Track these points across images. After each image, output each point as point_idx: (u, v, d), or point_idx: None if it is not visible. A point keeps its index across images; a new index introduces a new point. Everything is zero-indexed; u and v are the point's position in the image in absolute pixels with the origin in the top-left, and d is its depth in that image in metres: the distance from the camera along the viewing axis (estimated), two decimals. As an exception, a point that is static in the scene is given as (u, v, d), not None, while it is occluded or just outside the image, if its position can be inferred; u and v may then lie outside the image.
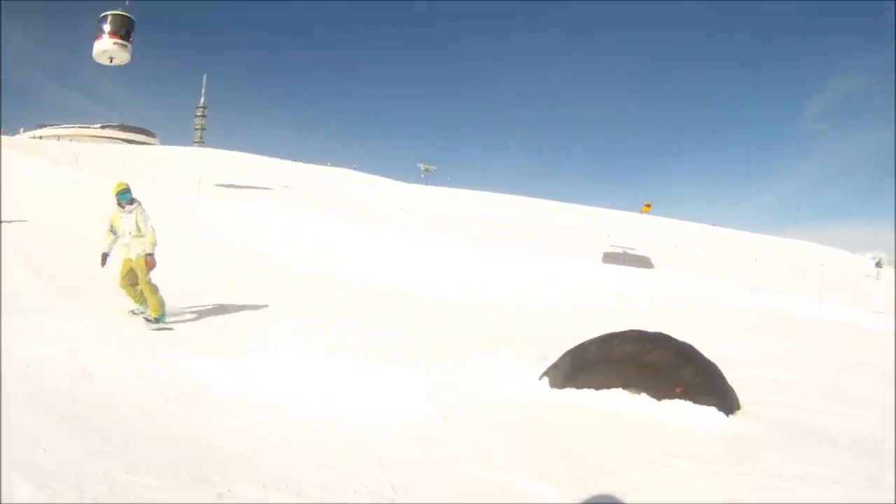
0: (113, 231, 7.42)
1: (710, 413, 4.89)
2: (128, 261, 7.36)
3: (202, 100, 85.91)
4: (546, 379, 5.36)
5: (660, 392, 5.00)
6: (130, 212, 7.37)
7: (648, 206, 56.08)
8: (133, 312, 7.33)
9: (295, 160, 51.79)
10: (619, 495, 3.32)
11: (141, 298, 7.28)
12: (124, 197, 7.39)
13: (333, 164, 54.65)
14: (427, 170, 63.09)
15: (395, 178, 50.05)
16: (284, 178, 35.54)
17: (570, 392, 5.16)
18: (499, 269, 13.77)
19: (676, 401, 4.95)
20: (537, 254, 16.54)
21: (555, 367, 5.43)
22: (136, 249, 7.30)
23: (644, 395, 5.01)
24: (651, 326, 6.07)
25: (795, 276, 22.43)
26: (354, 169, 54.03)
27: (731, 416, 5.02)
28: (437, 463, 3.63)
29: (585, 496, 3.28)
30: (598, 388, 5.12)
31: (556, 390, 5.23)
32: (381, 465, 3.52)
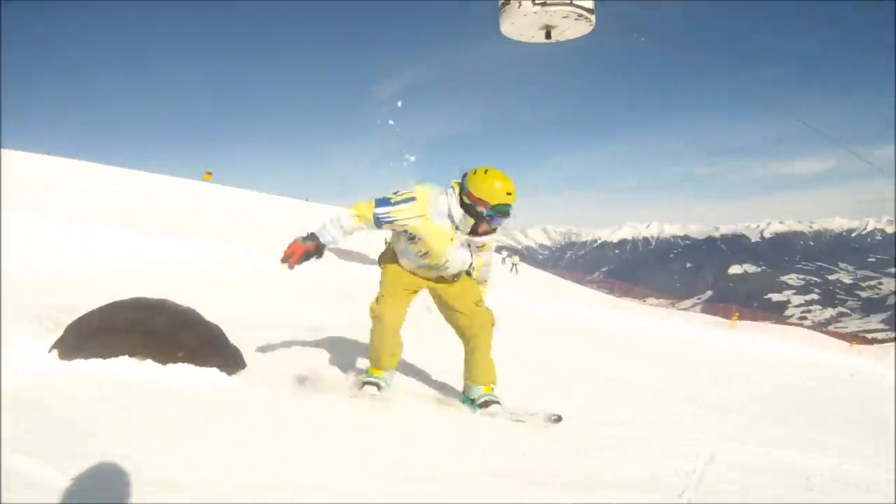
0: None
1: (212, 374, 5.37)
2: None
3: None
4: (55, 351, 5.26)
5: (164, 357, 5.28)
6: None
7: (209, 174, 56.82)
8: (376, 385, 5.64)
9: None
10: (105, 459, 3.54)
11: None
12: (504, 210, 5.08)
13: None
14: None
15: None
16: None
17: (78, 363, 5.13)
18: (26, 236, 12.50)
19: (180, 364, 5.30)
20: (75, 220, 15.37)
21: (62, 338, 5.37)
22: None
23: (149, 362, 5.23)
24: (179, 293, 6.38)
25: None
26: None
27: (233, 375, 5.61)
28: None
29: (75, 464, 3.41)
30: (105, 357, 5.18)
31: (65, 362, 5.15)
32: None
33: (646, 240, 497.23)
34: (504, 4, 8.47)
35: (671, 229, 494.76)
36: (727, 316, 40.61)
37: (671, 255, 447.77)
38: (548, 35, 8.51)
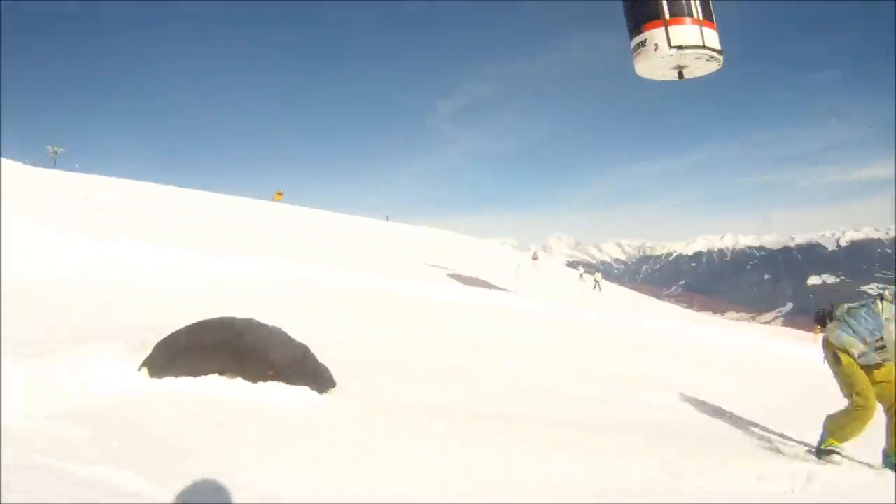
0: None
1: (302, 393, 5.30)
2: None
3: None
4: (144, 370, 5.29)
5: (254, 376, 5.25)
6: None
7: (280, 194, 57.67)
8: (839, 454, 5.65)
9: None
10: (201, 476, 3.48)
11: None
12: None
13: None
14: (55, 152, 56.44)
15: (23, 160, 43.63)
16: None
17: (167, 381, 5.15)
18: (113, 257, 12.87)
19: (270, 383, 5.25)
20: (155, 242, 15.82)
21: (151, 357, 5.39)
22: None
23: (239, 380, 5.21)
24: (260, 313, 6.42)
25: (411, 258, 24.72)
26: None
27: (324, 394, 5.51)
28: (25, 460, 3.47)
29: (169, 478, 3.38)
30: (195, 375, 5.18)
31: (154, 380, 5.18)
32: None
33: (721, 251, 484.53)
34: (640, 47, 8.70)
35: (745, 240, 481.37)
36: (809, 329, 39.05)
37: (748, 267, 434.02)
38: (680, 75, 8.84)
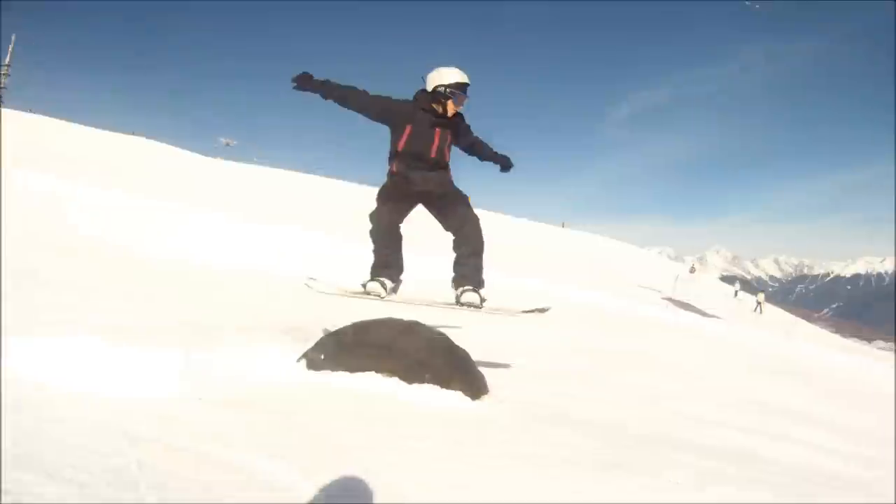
0: None
1: (456, 397, 5.17)
2: None
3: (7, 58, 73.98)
4: (304, 362, 5.35)
5: (410, 377, 5.18)
6: None
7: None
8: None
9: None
10: (353, 473, 3.38)
11: None
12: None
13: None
14: (228, 144, 60.46)
15: (194, 150, 47.44)
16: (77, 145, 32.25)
17: (325, 375, 5.19)
18: (283, 247, 13.42)
19: (425, 385, 5.16)
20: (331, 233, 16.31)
21: (312, 350, 5.45)
22: None
23: (395, 379, 5.15)
24: (424, 316, 6.38)
25: (570, 264, 24.28)
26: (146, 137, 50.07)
27: (476, 400, 5.33)
28: (182, 442, 3.52)
29: (321, 473, 3.31)
30: (353, 371, 5.19)
31: (312, 373, 5.24)
32: (132, 443, 3.37)
33: (880, 275, 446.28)
34: None
35: None
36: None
37: None
38: None
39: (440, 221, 5.97)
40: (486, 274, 6.06)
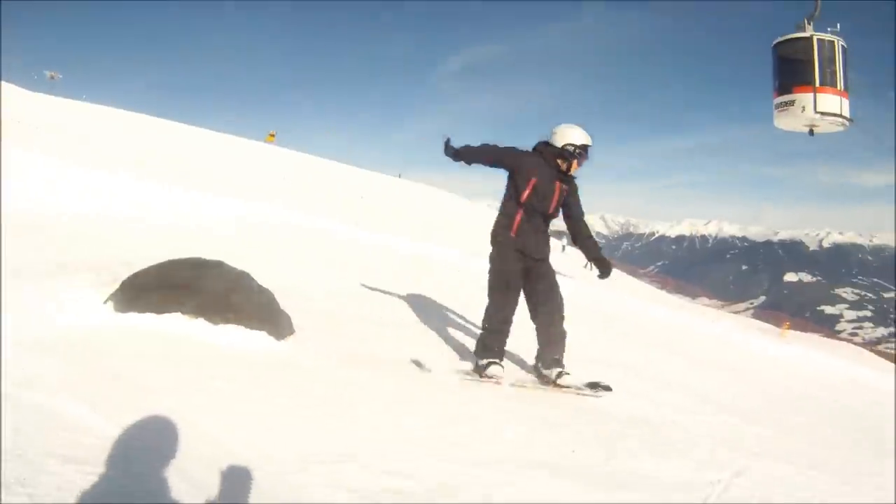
0: None
1: (261, 337, 5.48)
2: None
3: None
4: (110, 303, 5.40)
5: (215, 317, 5.39)
6: None
7: (272, 135, 56.16)
8: None
9: None
10: (154, 412, 3.62)
11: None
12: None
13: None
14: (53, 77, 55.20)
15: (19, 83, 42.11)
16: None
17: (131, 317, 5.27)
18: (92, 189, 12.77)
19: (231, 326, 5.41)
20: (137, 175, 15.67)
21: (118, 291, 5.50)
22: None
23: (201, 320, 5.35)
24: (232, 255, 6.54)
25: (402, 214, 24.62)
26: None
27: (281, 341, 5.69)
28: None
29: (125, 414, 3.48)
30: (158, 312, 5.30)
31: (118, 315, 5.30)
32: None
33: (703, 237, 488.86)
34: (786, 105, 10.14)
35: (730, 229, 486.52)
36: (778, 324, 39.63)
37: (727, 256, 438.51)
38: (811, 132, 10.28)
39: (528, 282, 6.16)
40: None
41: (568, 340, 6.19)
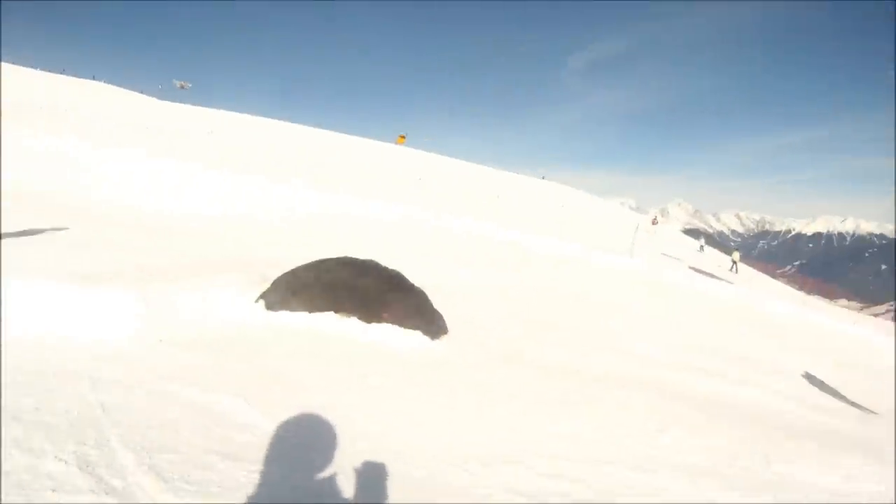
0: None
1: (415, 337, 5.28)
2: None
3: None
4: (262, 302, 5.39)
5: (369, 316, 5.25)
6: None
7: (403, 138, 57.16)
8: None
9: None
10: (308, 409, 3.50)
11: None
12: None
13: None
14: (183, 86, 58.96)
15: (150, 93, 45.58)
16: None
17: (283, 315, 5.24)
18: (238, 193, 13.29)
19: (384, 325, 5.25)
20: (278, 178, 16.17)
21: (270, 290, 5.49)
22: None
23: (354, 319, 5.23)
24: (382, 254, 6.46)
25: (538, 213, 24.24)
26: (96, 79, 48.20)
27: (435, 340, 5.46)
28: (145, 384, 3.60)
29: (280, 411, 3.41)
30: (311, 311, 5.24)
31: (270, 313, 5.28)
32: (94, 385, 3.44)
33: (840, 235, 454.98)
34: None
35: (867, 226, 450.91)
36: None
37: (866, 255, 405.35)
38: None
39: None
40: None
41: (724, 341, 5.67)
